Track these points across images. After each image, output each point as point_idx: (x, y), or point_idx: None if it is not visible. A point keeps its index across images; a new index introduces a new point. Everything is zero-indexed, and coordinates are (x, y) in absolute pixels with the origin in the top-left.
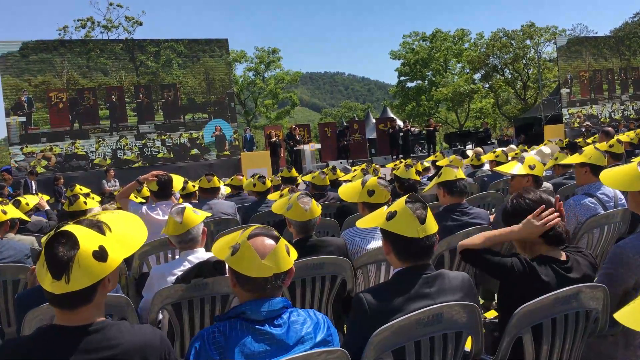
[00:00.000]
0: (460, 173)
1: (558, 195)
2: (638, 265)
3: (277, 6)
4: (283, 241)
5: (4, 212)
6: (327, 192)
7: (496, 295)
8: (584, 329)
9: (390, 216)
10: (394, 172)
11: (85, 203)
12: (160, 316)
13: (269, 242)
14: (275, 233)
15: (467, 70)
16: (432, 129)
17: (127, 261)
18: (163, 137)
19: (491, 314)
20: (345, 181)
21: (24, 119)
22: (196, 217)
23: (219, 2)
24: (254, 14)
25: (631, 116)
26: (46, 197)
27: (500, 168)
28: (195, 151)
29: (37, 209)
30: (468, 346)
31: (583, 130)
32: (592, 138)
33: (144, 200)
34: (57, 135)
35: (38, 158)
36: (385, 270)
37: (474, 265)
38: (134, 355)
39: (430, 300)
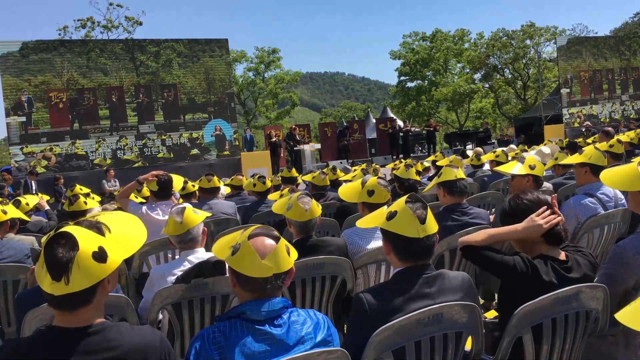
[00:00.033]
0: (460, 173)
1: (555, 195)
2: (638, 265)
3: (277, 6)
4: (283, 241)
5: (4, 212)
6: (327, 192)
7: (496, 295)
8: (584, 329)
9: (391, 216)
10: (394, 172)
11: (85, 203)
12: (160, 316)
13: (269, 242)
14: (276, 233)
15: (467, 70)
16: (432, 129)
17: (127, 261)
18: (163, 137)
19: (491, 314)
20: (345, 181)
21: (24, 119)
22: (196, 217)
23: (219, 2)
24: (254, 14)
25: (631, 116)
26: (46, 197)
27: (500, 168)
28: (195, 151)
29: (37, 209)
30: (468, 346)
31: (583, 130)
32: (592, 138)
33: (144, 200)
34: (57, 135)
35: (38, 158)
36: (385, 270)
37: (475, 262)
38: (134, 356)
39: (430, 300)
